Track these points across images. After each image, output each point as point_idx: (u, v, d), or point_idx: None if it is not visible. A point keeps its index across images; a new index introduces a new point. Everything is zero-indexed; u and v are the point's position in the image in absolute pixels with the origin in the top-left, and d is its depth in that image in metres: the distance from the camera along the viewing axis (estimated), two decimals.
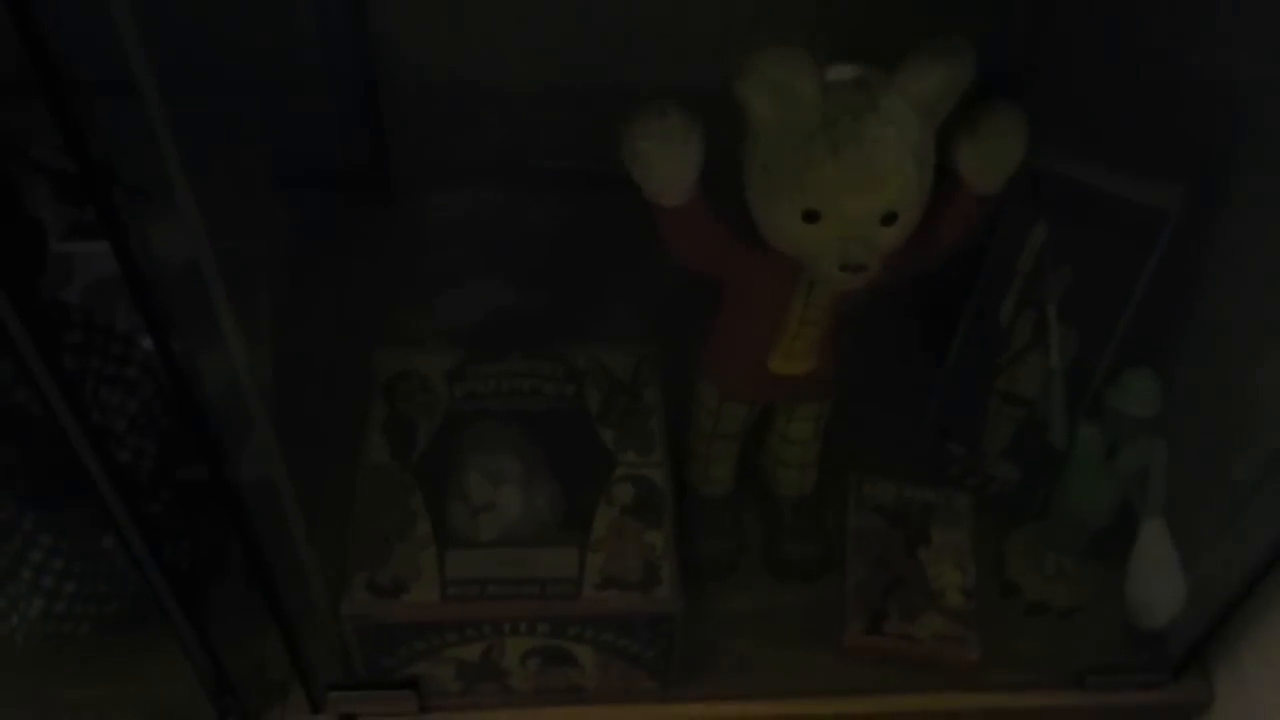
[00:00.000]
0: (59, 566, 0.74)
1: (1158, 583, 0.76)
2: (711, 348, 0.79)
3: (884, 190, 0.63)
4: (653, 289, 0.86)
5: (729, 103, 0.64)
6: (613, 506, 0.77)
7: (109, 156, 0.51)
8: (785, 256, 0.67)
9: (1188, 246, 0.74)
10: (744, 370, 0.78)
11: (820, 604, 0.86)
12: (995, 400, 0.85)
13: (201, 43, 0.96)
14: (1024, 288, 0.79)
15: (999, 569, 0.87)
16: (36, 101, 0.46)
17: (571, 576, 0.74)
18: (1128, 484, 0.77)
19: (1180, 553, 0.75)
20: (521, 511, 0.76)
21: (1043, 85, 0.96)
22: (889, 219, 0.64)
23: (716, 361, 0.80)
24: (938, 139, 0.65)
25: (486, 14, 0.99)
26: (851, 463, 0.90)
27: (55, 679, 0.80)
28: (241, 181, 0.89)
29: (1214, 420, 0.75)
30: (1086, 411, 0.77)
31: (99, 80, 0.48)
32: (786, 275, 0.70)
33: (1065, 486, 0.80)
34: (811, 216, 0.63)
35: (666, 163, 0.63)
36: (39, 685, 0.80)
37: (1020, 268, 0.78)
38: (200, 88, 0.92)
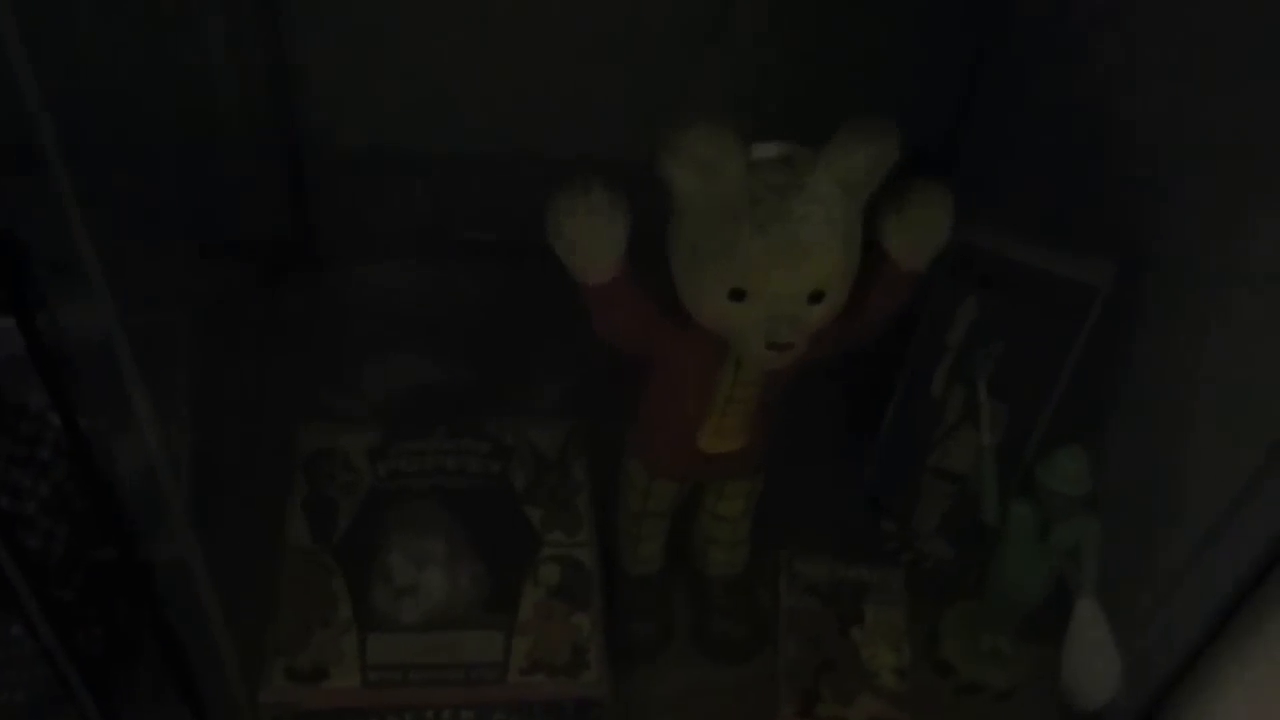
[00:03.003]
0: None
1: (1093, 663, 0.75)
2: (639, 425, 0.78)
3: (810, 268, 0.62)
4: (583, 363, 0.85)
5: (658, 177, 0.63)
6: (539, 588, 0.76)
7: (12, 230, 0.49)
8: (712, 334, 0.67)
9: (1118, 322, 0.74)
10: (672, 448, 0.77)
11: (752, 685, 0.84)
12: (928, 476, 0.84)
13: (116, 111, 0.95)
14: (955, 363, 0.79)
15: (933, 648, 0.86)
16: None
17: (497, 660, 0.72)
18: (1062, 562, 0.76)
19: (1115, 631, 0.75)
20: (445, 593, 0.74)
21: (974, 162, 0.98)
22: (816, 297, 0.63)
23: (644, 439, 0.78)
24: (866, 216, 0.65)
25: (413, 83, 0.99)
26: (784, 539, 0.89)
27: None
28: (158, 253, 0.87)
29: (1145, 496, 0.75)
30: (1019, 488, 0.76)
31: (4, 150, 0.47)
32: (713, 353, 0.69)
33: (998, 565, 0.79)
34: (738, 295, 0.63)
35: (590, 240, 0.63)
36: None
37: (951, 342, 0.78)
38: (114, 158, 0.92)
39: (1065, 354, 0.74)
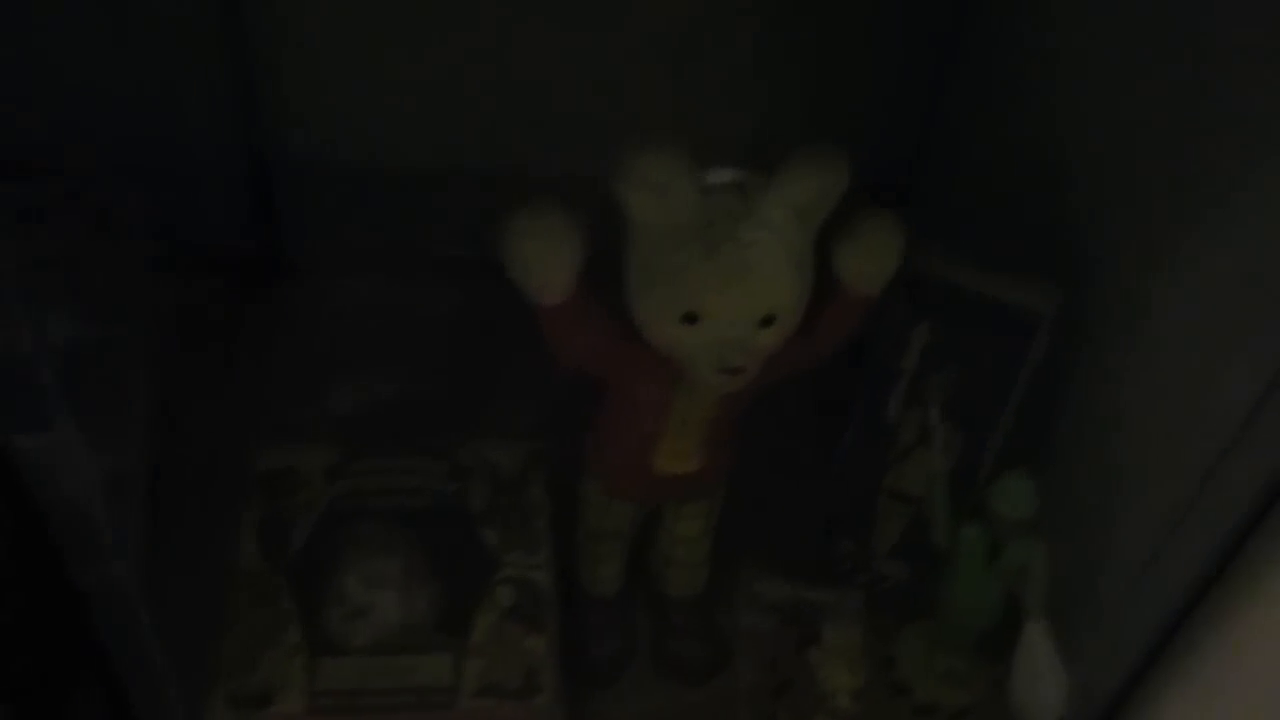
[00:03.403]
0: None
1: (1041, 684, 0.75)
2: (596, 446, 0.78)
3: (760, 293, 0.63)
4: (548, 382, 0.85)
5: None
6: (494, 610, 0.75)
7: None
8: (666, 356, 0.67)
9: (1064, 348, 0.75)
10: (629, 469, 0.77)
11: (711, 707, 0.84)
12: (884, 498, 0.85)
13: (80, 121, 0.95)
14: (910, 387, 0.79)
15: (889, 669, 0.86)
16: None
17: (448, 685, 0.71)
18: (1013, 584, 0.77)
19: (1062, 652, 0.75)
20: (399, 616, 0.74)
21: (928, 191, 0.99)
22: (767, 322, 0.64)
23: (601, 460, 0.79)
24: (819, 243, 0.65)
25: (387, 98, 0.99)
26: (744, 560, 0.89)
27: None
28: (116, 265, 0.87)
29: (1090, 519, 0.76)
30: (971, 512, 0.77)
31: None
32: (667, 375, 0.69)
33: (951, 587, 0.80)
34: (689, 318, 0.63)
35: (545, 263, 0.63)
36: None
37: (905, 367, 0.78)
38: (79, 167, 0.91)
39: (1014, 379, 0.75)
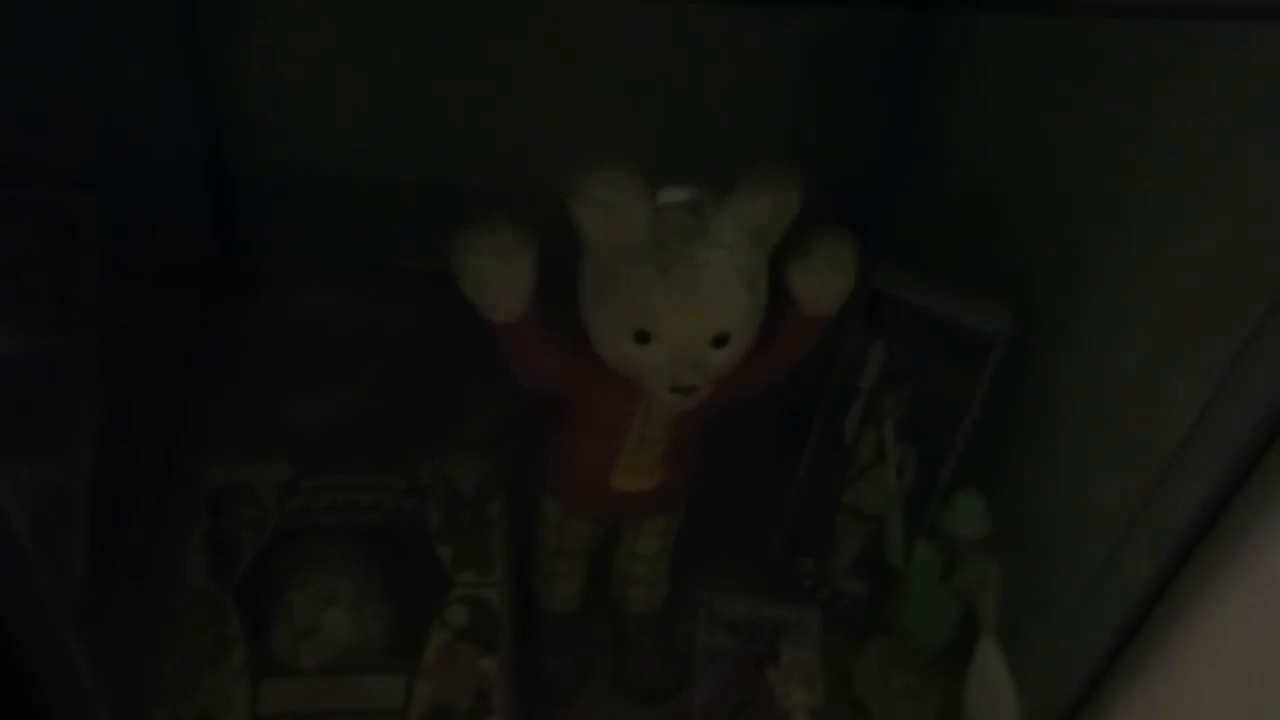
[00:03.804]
0: None
1: (995, 700, 0.76)
2: (554, 463, 0.78)
3: (713, 313, 0.62)
4: (509, 398, 0.85)
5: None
6: (445, 630, 0.74)
7: None
8: (622, 374, 0.66)
9: (1018, 367, 0.75)
10: (587, 486, 0.76)
11: None
12: (843, 515, 0.85)
13: (41, 130, 0.94)
14: (867, 405, 0.79)
15: (847, 686, 0.86)
16: None
17: (397, 707, 0.70)
18: (967, 602, 0.77)
19: (1015, 670, 0.75)
20: (349, 636, 0.73)
21: (887, 212, 0.99)
22: (720, 341, 0.63)
23: (559, 477, 0.78)
24: (774, 263, 0.65)
25: (348, 108, 0.98)
26: (703, 578, 0.89)
27: None
28: (67, 277, 0.85)
29: (1043, 537, 0.76)
30: (926, 530, 0.77)
31: None
32: (624, 392, 0.69)
33: (906, 605, 0.79)
34: (643, 337, 0.63)
35: (497, 280, 0.62)
36: None
37: (863, 386, 0.78)
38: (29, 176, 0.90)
39: (969, 398, 0.75)
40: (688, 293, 0.61)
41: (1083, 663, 0.72)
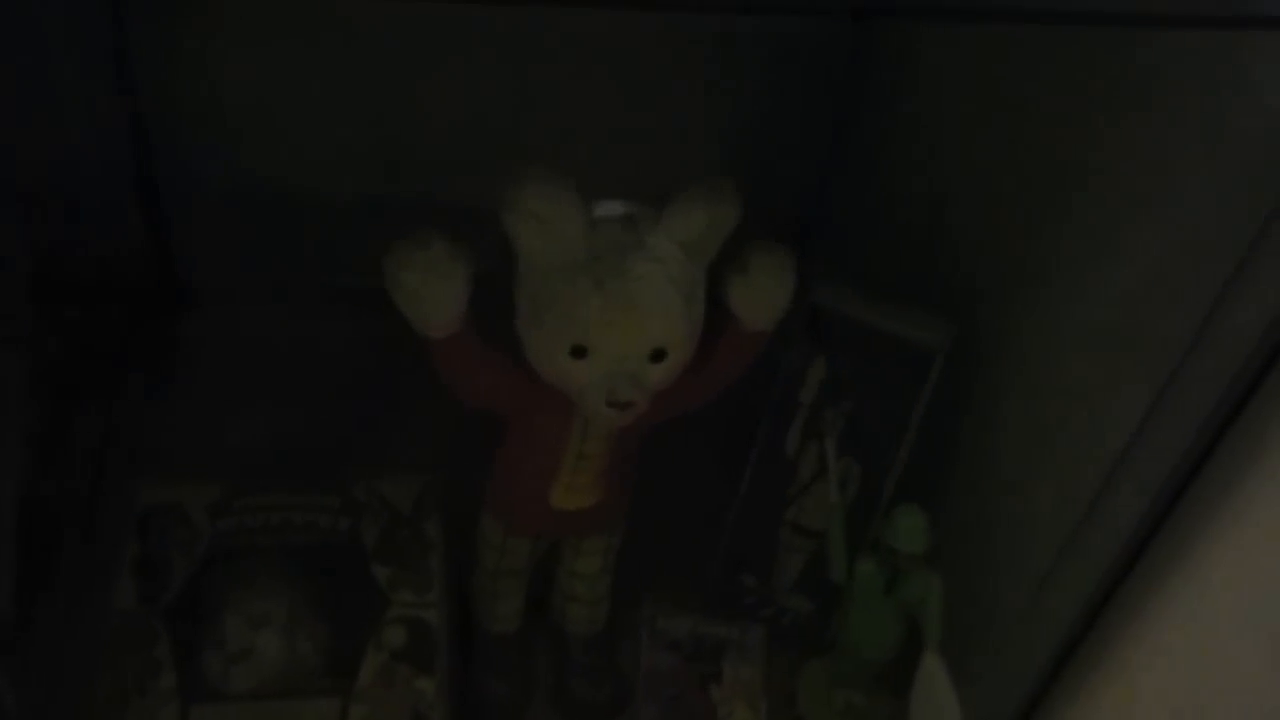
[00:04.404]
0: None
1: (937, 717, 0.75)
2: (493, 481, 0.77)
3: (650, 327, 0.62)
4: (446, 415, 0.84)
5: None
6: (382, 651, 0.73)
7: None
8: (559, 389, 0.66)
9: (959, 381, 0.75)
10: (526, 504, 0.75)
11: None
12: (785, 532, 0.84)
13: None
14: (808, 420, 0.79)
15: (791, 705, 0.85)
16: None
17: None
18: (910, 617, 0.76)
19: (958, 684, 0.75)
20: (282, 658, 0.72)
21: (828, 227, 1.00)
22: (657, 356, 0.63)
23: (499, 495, 0.77)
24: (713, 276, 0.65)
25: (283, 125, 0.97)
26: (646, 597, 0.88)
27: None
28: None
29: (984, 551, 0.76)
30: (870, 545, 0.76)
31: None
32: (562, 409, 0.68)
33: (848, 621, 0.79)
34: (579, 352, 0.62)
35: (430, 295, 0.61)
36: None
37: (804, 401, 0.78)
38: None
39: (909, 412, 0.75)
40: (624, 307, 0.61)
41: (1026, 675, 0.72)
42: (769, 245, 0.65)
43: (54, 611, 0.76)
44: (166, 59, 0.93)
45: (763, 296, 0.66)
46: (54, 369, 0.91)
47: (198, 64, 0.93)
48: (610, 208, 0.63)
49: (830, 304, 0.75)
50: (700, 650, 0.86)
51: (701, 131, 0.98)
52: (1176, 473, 0.60)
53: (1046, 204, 0.71)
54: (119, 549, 0.76)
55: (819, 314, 0.75)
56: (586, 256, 0.61)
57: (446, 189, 0.87)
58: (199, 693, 0.70)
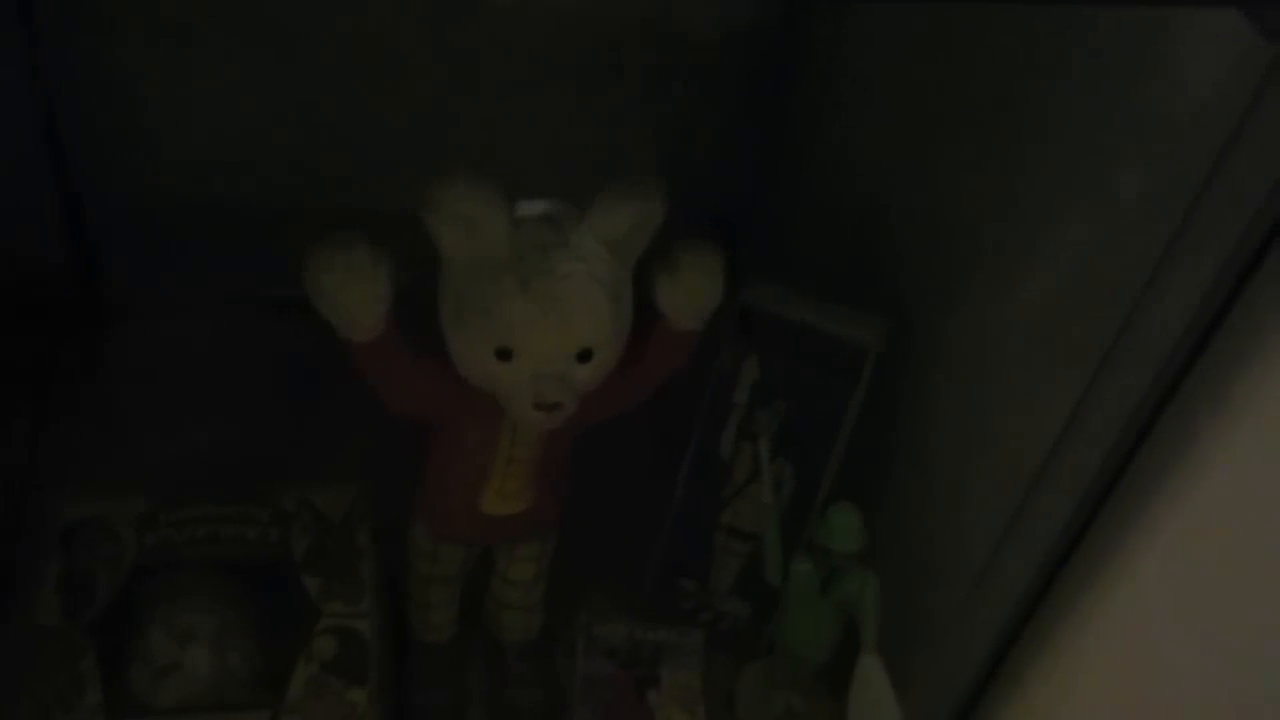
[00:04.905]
0: None
1: (875, 717, 0.75)
2: (423, 487, 0.76)
3: (575, 327, 0.61)
4: (375, 424, 0.83)
5: None
6: (312, 663, 0.72)
7: None
8: (488, 393, 0.65)
9: (892, 380, 0.75)
10: (456, 510, 0.75)
11: None
12: (721, 535, 0.84)
13: None
14: (742, 422, 0.78)
15: (730, 708, 0.85)
16: None
17: None
18: (847, 617, 0.76)
19: (900, 682, 0.75)
20: (210, 672, 0.70)
21: (761, 227, 0.99)
22: (584, 356, 0.62)
23: (429, 502, 0.76)
24: (642, 275, 0.64)
25: (202, 136, 0.96)
26: (581, 603, 0.87)
27: None
28: None
29: (919, 549, 0.76)
30: (804, 546, 0.76)
31: None
32: (490, 413, 0.67)
33: (785, 623, 0.79)
34: (504, 354, 0.62)
35: (351, 298, 0.61)
36: None
37: (737, 402, 0.78)
38: None
39: (843, 412, 0.75)
40: (549, 307, 0.60)
41: (963, 673, 0.72)
42: (698, 244, 0.65)
43: None
44: (83, 70, 0.91)
45: (692, 295, 0.66)
46: None
47: (115, 75, 0.92)
48: (533, 207, 0.62)
49: (761, 303, 0.75)
50: (637, 656, 0.86)
51: (630, 131, 0.98)
52: (1107, 467, 0.60)
53: (978, 200, 0.71)
54: (43, 564, 0.74)
55: (750, 314, 0.75)
56: (510, 256, 0.60)
57: (371, 195, 0.86)
58: (125, 708, 0.68)
